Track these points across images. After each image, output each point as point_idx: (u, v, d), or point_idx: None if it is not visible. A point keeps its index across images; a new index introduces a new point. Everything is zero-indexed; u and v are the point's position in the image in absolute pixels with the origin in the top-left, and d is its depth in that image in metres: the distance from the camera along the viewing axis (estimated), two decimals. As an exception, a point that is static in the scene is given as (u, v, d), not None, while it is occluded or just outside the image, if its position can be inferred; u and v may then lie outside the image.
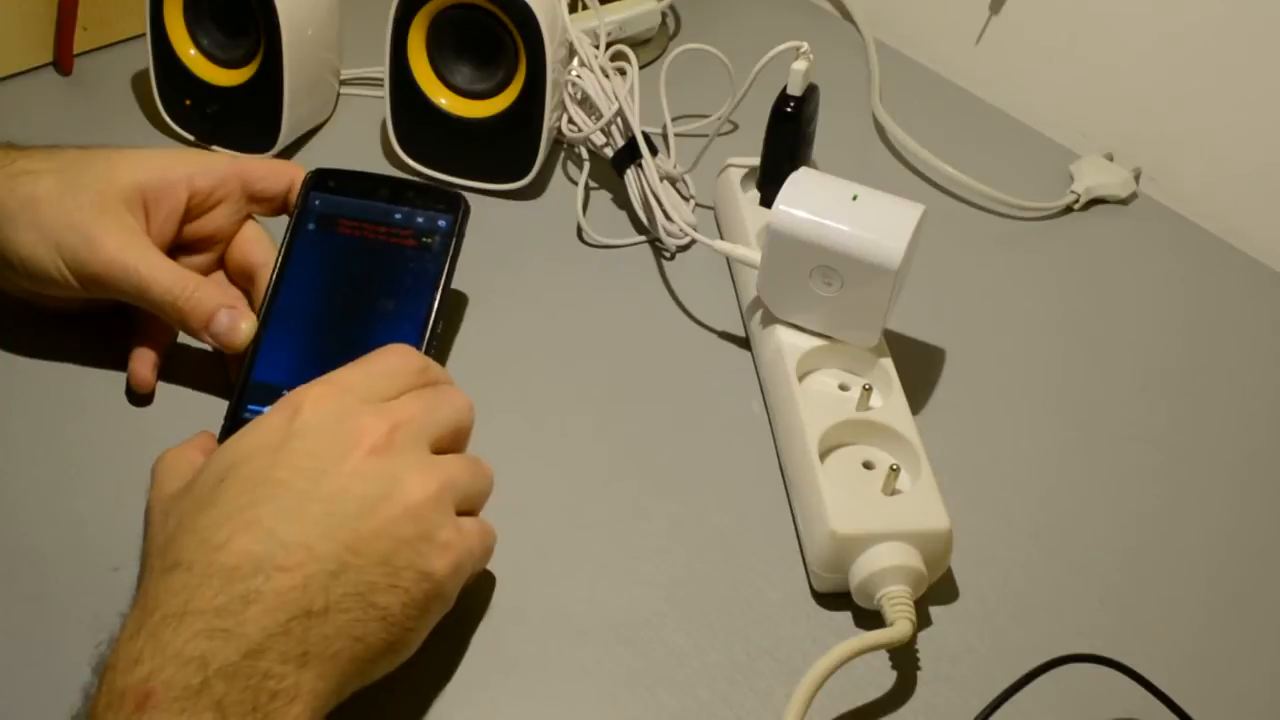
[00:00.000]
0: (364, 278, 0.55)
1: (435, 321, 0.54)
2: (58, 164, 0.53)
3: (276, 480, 0.40)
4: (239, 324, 0.53)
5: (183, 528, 0.40)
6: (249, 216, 0.58)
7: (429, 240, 0.56)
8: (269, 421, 0.43)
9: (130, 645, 0.37)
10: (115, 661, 0.37)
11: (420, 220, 0.56)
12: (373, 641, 0.40)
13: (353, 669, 0.39)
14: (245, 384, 0.52)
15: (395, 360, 0.47)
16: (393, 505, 0.41)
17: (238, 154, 0.69)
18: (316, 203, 0.57)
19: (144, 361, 0.56)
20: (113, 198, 0.53)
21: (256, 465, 0.41)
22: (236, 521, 0.39)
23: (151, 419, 0.55)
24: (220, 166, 0.56)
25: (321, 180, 0.57)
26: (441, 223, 0.56)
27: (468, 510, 0.45)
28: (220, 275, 0.58)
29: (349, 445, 0.42)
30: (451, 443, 0.46)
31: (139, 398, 0.56)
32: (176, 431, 0.49)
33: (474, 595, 0.49)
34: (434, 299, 0.54)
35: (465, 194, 0.58)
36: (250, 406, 0.52)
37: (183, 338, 0.58)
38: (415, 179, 0.61)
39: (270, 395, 0.49)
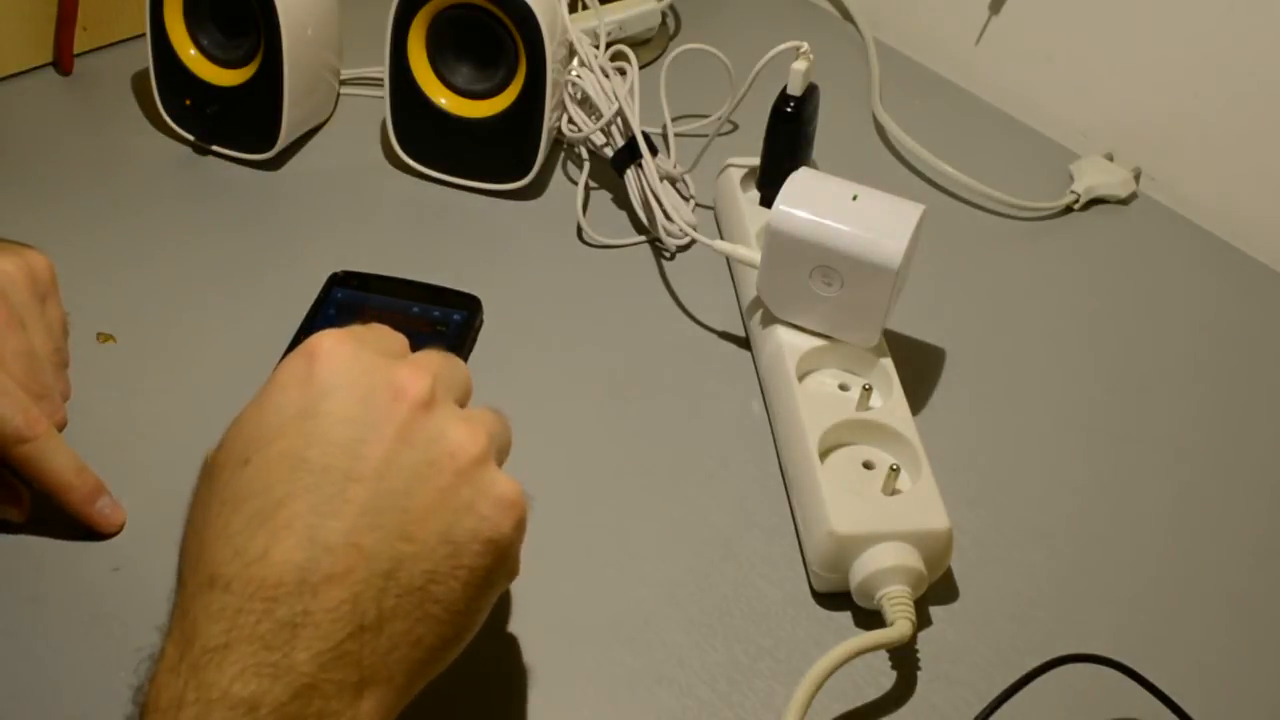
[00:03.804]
0: None
1: None
2: None
3: (309, 462, 0.36)
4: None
5: (212, 528, 0.36)
6: None
7: (443, 329, 0.60)
8: (284, 380, 0.38)
9: (172, 681, 0.33)
10: (157, 700, 0.33)
11: (436, 314, 0.61)
12: (430, 642, 0.36)
13: (412, 676, 0.36)
14: None
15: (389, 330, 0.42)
16: (442, 471, 0.37)
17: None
18: (339, 295, 0.61)
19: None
20: None
21: (285, 444, 0.36)
22: (273, 524, 0.35)
23: (152, 419, 0.55)
24: None
25: (344, 279, 0.62)
26: (456, 317, 0.61)
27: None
28: None
29: (387, 402, 0.37)
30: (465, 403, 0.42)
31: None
32: (177, 431, 0.49)
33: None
34: None
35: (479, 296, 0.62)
36: None
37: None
38: (434, 283, 0.62)
39: None
